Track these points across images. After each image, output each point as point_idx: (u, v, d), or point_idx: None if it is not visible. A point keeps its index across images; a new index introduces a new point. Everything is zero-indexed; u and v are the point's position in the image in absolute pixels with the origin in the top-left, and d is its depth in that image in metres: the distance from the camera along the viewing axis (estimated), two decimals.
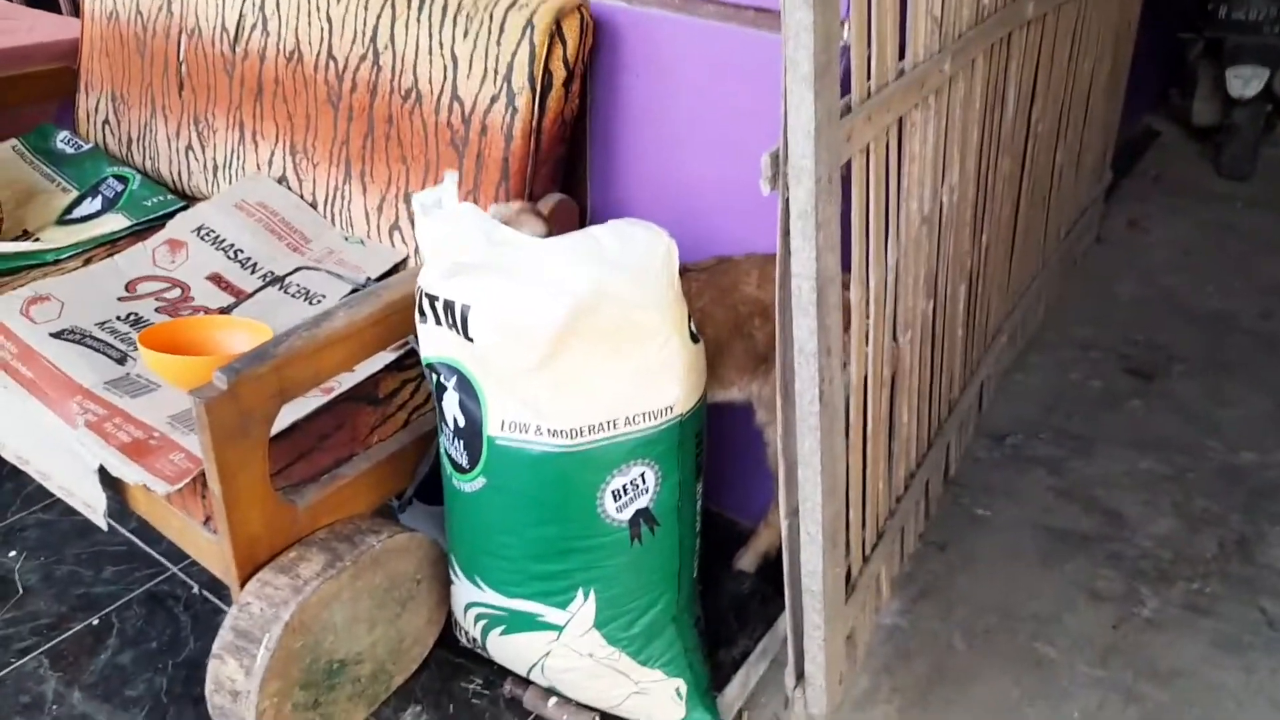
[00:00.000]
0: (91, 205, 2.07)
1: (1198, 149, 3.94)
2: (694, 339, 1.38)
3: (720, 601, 1.80)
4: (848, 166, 1.23)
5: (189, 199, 2.10)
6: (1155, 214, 3.42)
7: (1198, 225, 3.34)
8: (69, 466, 1.46)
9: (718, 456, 1.75)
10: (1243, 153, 3.67)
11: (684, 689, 1.51)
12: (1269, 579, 1.89)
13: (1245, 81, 3.56)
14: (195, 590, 1.78)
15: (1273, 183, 3.66)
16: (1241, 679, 1.68)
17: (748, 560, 1.84)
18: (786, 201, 1.10)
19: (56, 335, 1.61)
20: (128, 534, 1.87)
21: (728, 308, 1.54)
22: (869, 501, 1.56)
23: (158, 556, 1.84)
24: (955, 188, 1.67)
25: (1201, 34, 3.76)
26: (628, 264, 1.27)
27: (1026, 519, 2.03)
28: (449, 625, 1.64)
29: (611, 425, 1.32)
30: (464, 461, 1.40)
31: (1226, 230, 3.31)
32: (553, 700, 1.54)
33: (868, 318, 1.39)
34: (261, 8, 1.92)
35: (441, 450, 1.46)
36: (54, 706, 1.57)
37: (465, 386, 1.34)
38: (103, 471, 1.41)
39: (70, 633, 1.70)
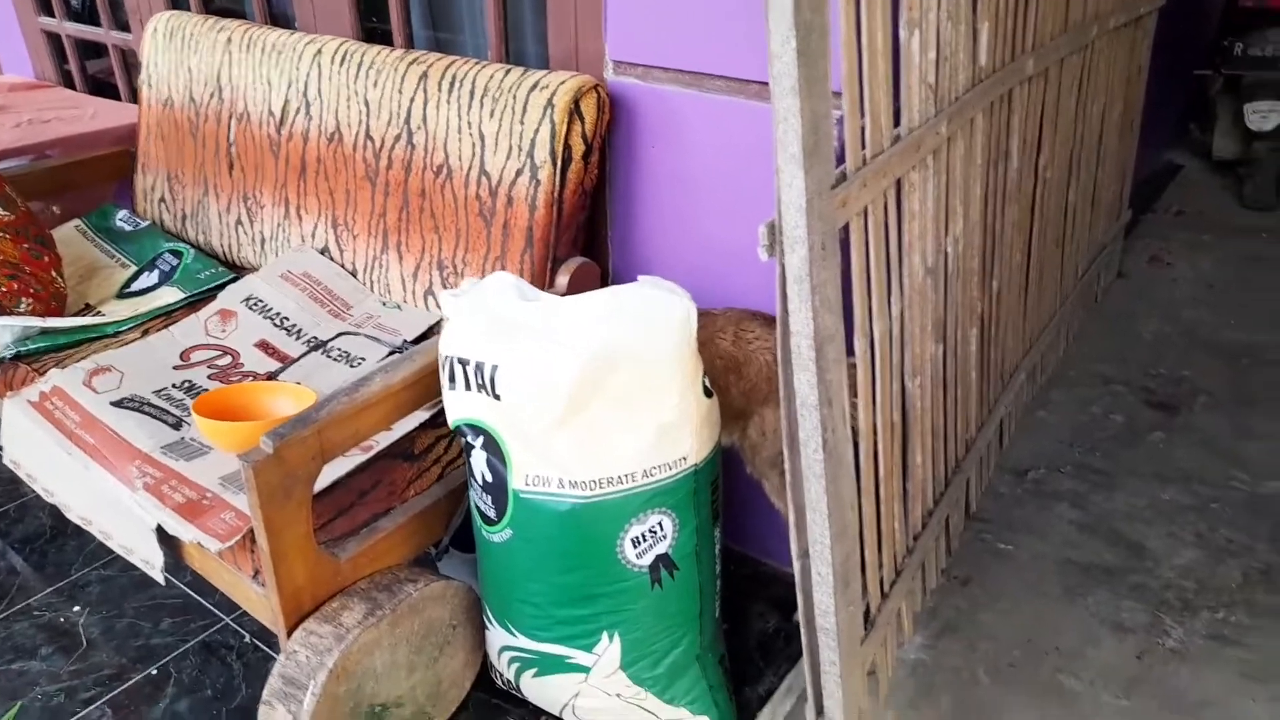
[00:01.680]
0: (149, 279, 2.22)
1: (1220, 183, 3.97)
2: (707, 393, 1.46)
3: (747, 640, 1.86)
4: (846, 227, 1.31)
5: (239, 269, 2.24)
6: (1177, 249, 3.45)
7: (1221, 259, 3.36)
8: (129, 526, 1.57)
9: (739, 499, 1.83)
10: (1265, 185, 3.70)
11: None
12: None
13: (1263, 116, 3.61)
14: (246, 639, 1.88)
15: None
16: (1270, 709, 1.70)
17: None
18: (783, 268, 1.18)
19: (117, 404, 1.73)
20: (183, 587, 1.98)
21: (704, 361, 1.62)
22: (885, 541, 1.61)
23: (211, 607, 1.95)
24: (960, 239, 1.74)
25: (1219, 70, 3.82)
26: (647, 322, 1.36)
27: (1049, 553, 2.07)
28: (485, 667, 1.71)
29: (630, 478, 1.40)
30: (492, 514, 1.49)
31: (1250, 263, 3.33)
32: None
33: (873, 367, 1.46)
34: (304, 93, 2.07)
35: (471, 503, 1.55)
36: None
37: (491, 445, 1.44)
38: (160, 530, 1.52)
39: (131, 683, 1.80)
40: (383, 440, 1.64)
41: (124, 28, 2.83)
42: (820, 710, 1.46)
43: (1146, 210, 3.72)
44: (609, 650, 1.49)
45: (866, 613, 1.58)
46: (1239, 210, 3.74)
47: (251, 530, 1.43)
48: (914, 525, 1.77)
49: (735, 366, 1.61)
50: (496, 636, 1.60)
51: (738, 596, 1.93)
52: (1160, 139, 4.05)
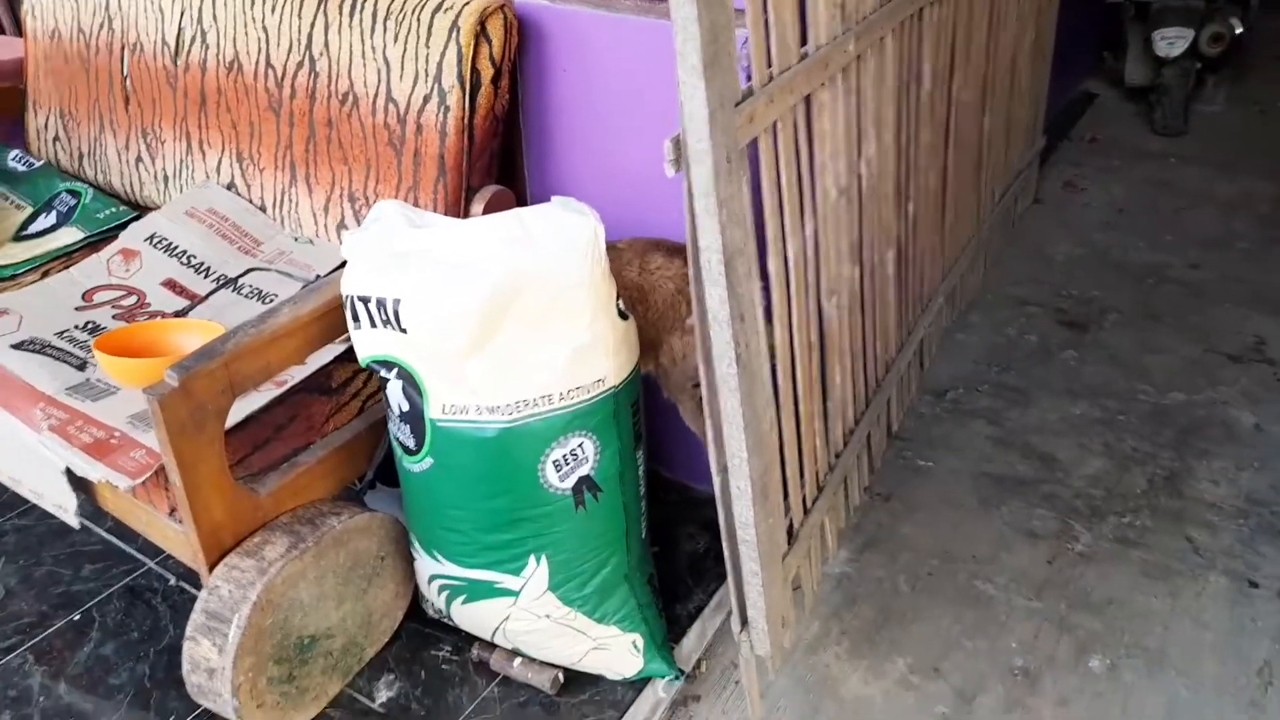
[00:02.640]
0: (46, 221, 2.13)
1: (1133, 109, 4.05)
2: (622, 316, 1.47)
3: (677, 562, 1.90)
4: (756, 145, 1.32)
5: (142, 209, 2.16)
6: (1091, 174, 3.53)
7: (1132, 183, 3.46)
8: (38, 470, 1.53)
9: (665, 425, 1.85)
10: (1175, 111, 3.79)
11: (640, 642, 1.61)
12: (1195, 510, 2.01)
13: (1170, 42, 3.68)
14: (171, 582, 1.86)
15: (1204, 139, 3.78)
16: (1169, 604, 1.80)
17: None
18: (690, 182, 1.18)
19: (17, 346, 1.67)
20: (103, 533, 1.95)
21: None
22: (805, 457, 1.65)
23: (133, 553, 1.92)
24: (873, 160, 1.75)
25: None
26: (553, 245, 1.35)
27: (966, 468, 2.14)
28: (416, 598, 1.72)
29: (546, 400, 1.40)
30: (411, 444, 1.48)
31: (1159, 187, 3.43)
32: (517, 661, 1.63)
33: (788, 286, 1.48)
34: (199, 20, 1.99)
35: (390, 434, 1.54)
36: (41, 699, 1.65)
37: (405, 376, 1.43)
38: (70, 473, 1.48)
39: (53, 629, 1.77)
40: (297, 374, 1.61)
41: None
42: (745, 621, 1.50)
43: (1062, 137, 3.79)
44: (536, 573, 1.51)
45: (790, 528, 1.62)
46: (1150, 136, 3.83)
47: (163, 467, 1.41)
48: (835, 443, 1.82)
49: (642, 296, 1.62)
50: (425, 566, 1.61)
51: (668, 521, 1.96)
52: (1076, 68, 4.11)
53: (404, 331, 1.38)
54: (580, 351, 1.40)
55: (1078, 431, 2.25)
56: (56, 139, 2.32)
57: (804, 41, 1.44)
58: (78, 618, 1.80)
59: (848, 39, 1.53)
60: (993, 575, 1.87)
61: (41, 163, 2.31)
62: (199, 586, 1.81)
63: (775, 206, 1.41)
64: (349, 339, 1.62)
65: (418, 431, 1.45)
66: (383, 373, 1.46)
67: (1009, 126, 2.79)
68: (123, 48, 2.13)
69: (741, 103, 1.22)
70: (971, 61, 2.29)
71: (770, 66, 1.33)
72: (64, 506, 1.53)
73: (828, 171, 1.56)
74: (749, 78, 1.30)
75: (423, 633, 1.74)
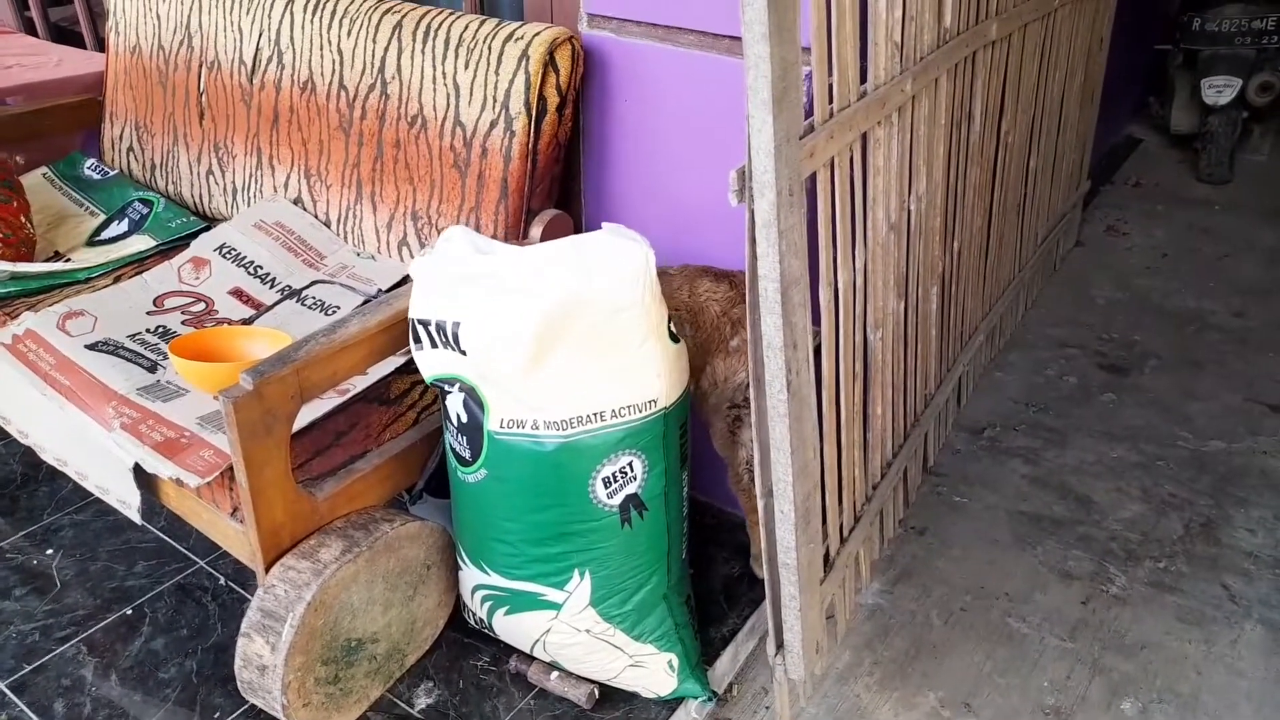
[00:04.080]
0: (119, 227, 2.21)
1: (1178, 156, 4.07)
2: (674, 339, 1.51)
3: (711, 584, 1.93)
4: (812, 178, 1.36)
5: (210, 220, 2.24)
6: (1134, 219, 3.55)
7: (1175, 229, 3.47)
8: (105, 466, 1.59)
9: (704, 450, 1.88)
10: (1220, 158, 3.80)
11: (676, 662, 1.64)
12: (1232, 558, 2.00)
13: (1219, 90, 3.70)
14: (221, 581, 1.91)
15: (1249, 187, 3.78)
16: (1203, 650, 1.80)
17: (756, 566, 1.95)
18: (752, 213, 1.23)
19: (91, 347, 1.74)
20: (157, 532, 2.01)
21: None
22: (845, 486, 1.68)
23: (185, 551, 1.98)
24: (923, 196, 1.79)
25: (1178, 45, 3.90)
26: (606, 269, 1.40)
27: (1002, 505, 2.15)
28: (458, 609, 1.76)
29: (599, 417, 1.45)
30: (467, 455, 1.53)
31: (1203, 234, 3.43)
32: (554, 674, 1.67)
33: (837, 317, 1.52)
34: (277, 42, 2.07)
35: (446, 445, 1.59)
36: (93, 688, 1.70)
37: (468, 390, 1.48)
38: (137, 469, 1.54)
39: (105, 622, 1.83)
40: (359, 384, 1.67)
41: None
42: (780, 644, 1.52)
43: (1105, 181, 3.81)
44: (580, 587, 1.54)
45: (826, 555, 1.65)
46: (1194, 183, 3.84)
47: (230, 468, 1.46)
48: (873, 474, 1.84)
49: (692, 317, 1.67)
50: (470, 576, 1.65)
51: (703, 544, 1.99)
52: (1121, 113, 4.14)
53: (464, 354, 1.43)
54: (632, 371, 1.44)
55: (1115, 475, 2.25)
56: (130, 150, 2.42)
57: (863, 79, 1.49)
58: (130, 612, 1.85)
59: (905, 79, 1.58)
60: (1026, 614, 1.88)
61: (115, 172, 2.40)
62: (248, 587, 1.88)
63: (829, 238, 1.45)
64: (410, 351, 1.68)
65: (474, 443, 1.50)
66: (445, 387, 1.51)
67: (1055, 168, 2.82)
68: (201, 65, 2.22)
69: (804, 137, 1.27)
70: (1021, 102, 2.32)
71: (831, 103, 1.38)
72: (128, 502, 1.59)
73: (879, 206, 1.61)
74: (808, 114, 1.34)
75: (462, 642, 1.78)
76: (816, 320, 1.46)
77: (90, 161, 2.41)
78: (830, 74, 1.37)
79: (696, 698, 1.66)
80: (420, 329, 1.49)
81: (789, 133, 1.20)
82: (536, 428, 1.45)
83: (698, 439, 1.84)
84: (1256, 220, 3.50)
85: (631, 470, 1.50)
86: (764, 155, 1.17)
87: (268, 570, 1.48)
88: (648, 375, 1.46)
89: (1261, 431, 2.38)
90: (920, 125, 1.73)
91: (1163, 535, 2.07)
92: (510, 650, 1.73)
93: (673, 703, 1.67)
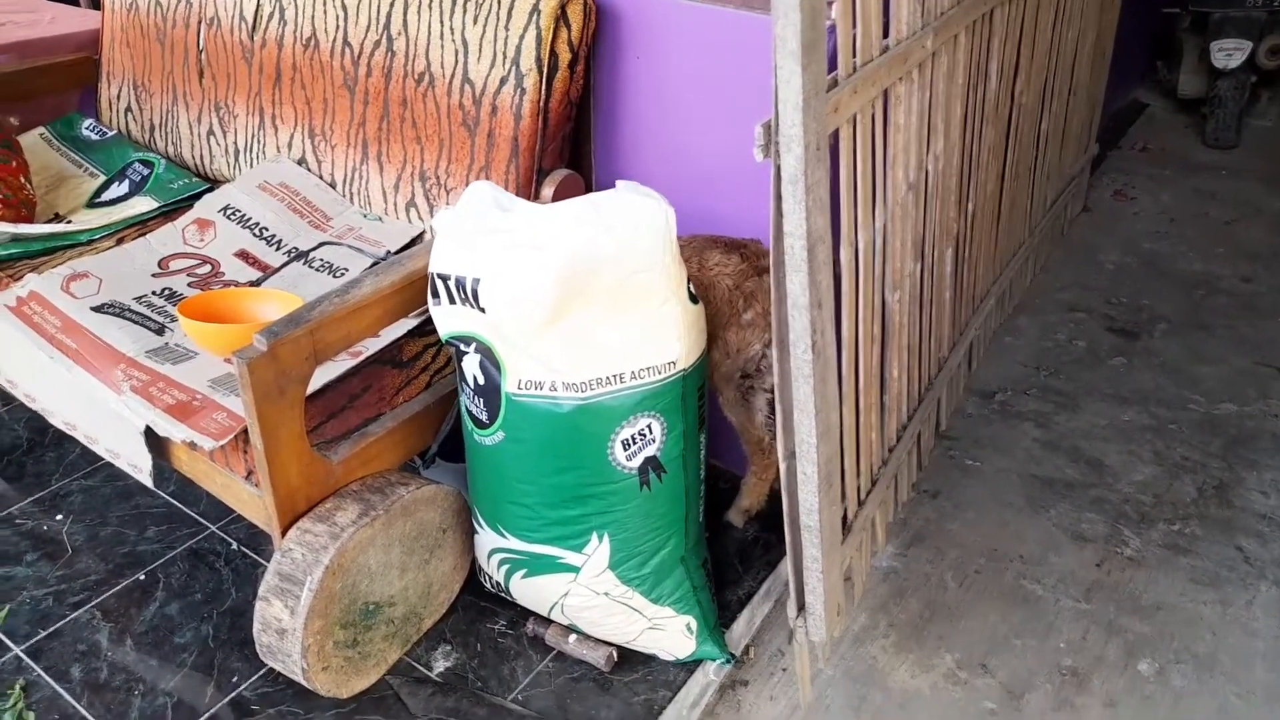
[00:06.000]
0: (119, 189, 2.17)
1: (1184, 120, 4.03)
2: (693, 300, 1.49)
3: (726, 548, 1.92)
4: (835, 136, 1.33)
5: (212, 182, 2.20)
6: (1141, 183, 3.52)
7: (1182, 194, 3.44)
8: (116, 429, 1.57)
9: (717, 413, 1.86)
10: (1227, 123, 3.77)
11: (694, 624, 1.63)
12: (1245, 520, 2.00)
13: (1228, 54, 3.66)
14: (234, 546, 1.90)
15: (1257, 152, 3.76)
16: (1218, 611, 1.80)
17: (735, 515, 1.96)
18: (778, 168, 1.20)
19: (97, 309, 1.71)
20: (167, 497, 1.99)
21: None
22: (862, 450, 1.67)
23: (196, 516, 1.96)
24: (940, 157, 1.77)
25: (1186, 8, 3.85)
26: (625, 227, 1.38)
27: (1014, 469, 2.15)
28: (474, 573, 1.75)
29: (619, 379, 1.43)
30: (484, 417, 1.51)
31: (1210, 198, 3.41)
32: (573, 637, 1.66)
33: (857, 277, 1.50)
34: None
35: (462, 407, 1.57)
36: (108, 654, 1.69)
37: (484, 351, 1.46)
38: (148, 433, 1.52)
39: (119, 587, 1.82)
40: (371, 346, 1.65)
41: None
42: (802, 606, 1.52)
43: (1113, 146, 3.78)
44: (598, 550, 1.53)
45: (844, 518, 1.64)
46: (1201, 148, 3.81)
47: (244, 430, 1.44)
48: (889, 438, 1.83)
49: (702, 292, 1.65)
50: (486, 539, 1.63)
51: (716, 508, 1.98)
52: (1128, 77, 4.09)
53: (482, 310, 1.41)
54: (651, 332, 1.42)
55: (1126, 438, 2.25)
56: (128, 110, 2.37)
57: (884, 34, 1.46)
58: (143, 577, 1.84)
59: (926, 34, 1.55)
60: (1041, 576, 1.88)
61: (113, 133, 2.36)
62: (261, 552, 1.87)
63: (851, 197, 1.42)
64: (423, 313, 1.65)
65: (491, 405, 1.48)
66: (461, 347, 1.49)
67: (1065, 131, 2.79)
68: (199, 22, 2.17)
69: (829, 91, 1.24)
70: (1035, 63, 2.29)
71: (855, 58, 1.35)
72: (139, 467, 1.57)
73: (899, 165, 1.58)
74: (830, 68, 1.32)
75: (479, 605, 1.77)
76: (836, 282, 1.44)
77: (88, 122, 2.37)
78: (854, 27, 1.34)
79: (714, 660, 1.66)
80: (440, 283, 1.46)
81: (816, 85, 1.17)
82: (555, 389, 1.43)
83: (713, 405, 1.82)
84: (1264, 185, 3.48)
85: (650, 432, 1.48)
86: (791, 108, 1.14)
87: (284, 534, 1.46)
88: (667, 337, 1.44)
89: (1272, 395, 2.38)
90: (939, 83, 1.70)
91: (1176, 498, 2.07)
92: (528, 613, 1.72)
93: (691, 665, 1.67)
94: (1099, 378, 2.45)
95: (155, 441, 1.54)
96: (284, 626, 1.43)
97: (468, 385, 1.52)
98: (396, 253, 1.88)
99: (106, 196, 2.16)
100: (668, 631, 1.62)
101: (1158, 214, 3.31)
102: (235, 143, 2.17)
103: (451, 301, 1.45)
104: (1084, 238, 3.14)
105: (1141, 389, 2.41)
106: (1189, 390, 2.40)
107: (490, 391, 1.48)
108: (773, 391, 1.43)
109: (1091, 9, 2.72)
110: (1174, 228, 3.22)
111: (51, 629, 1.73)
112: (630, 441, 1.47)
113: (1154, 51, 4.33)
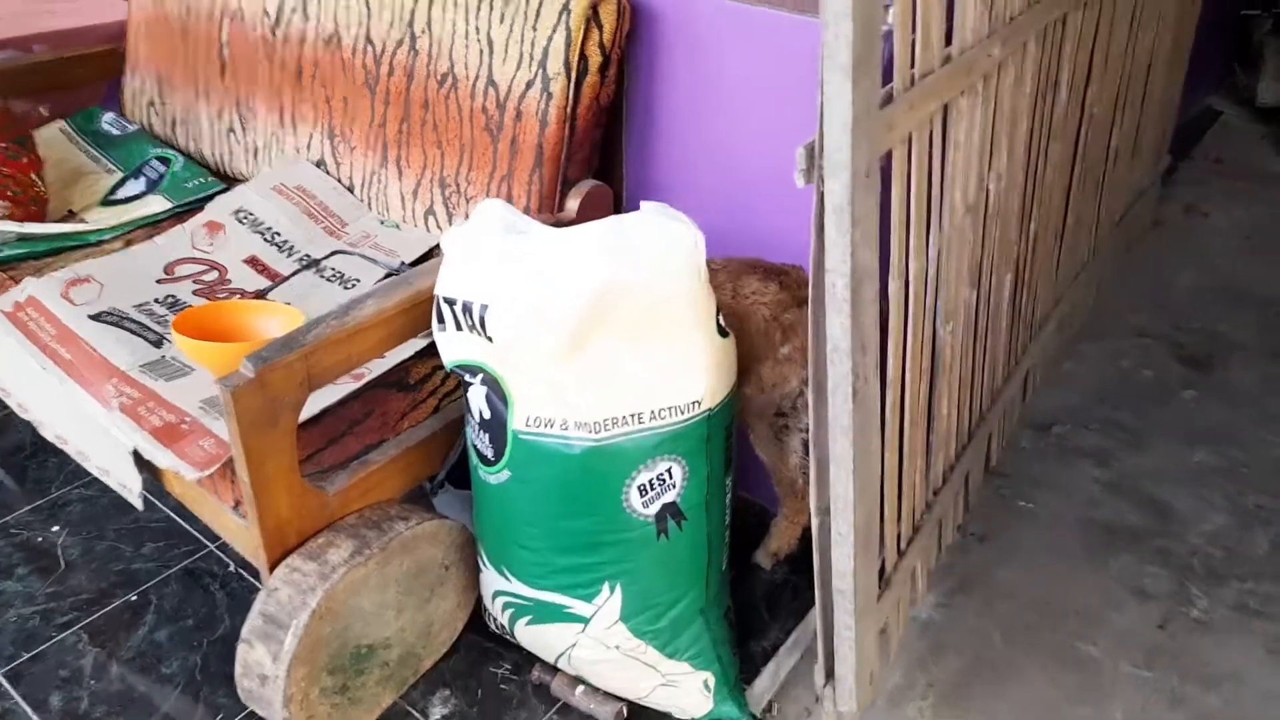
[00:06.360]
0: (135, 186, 2.09)
1: (1262, 130, 3.80)
2: (722, 333, 1.35)
3: (752, 591, 1.79)
4: (887, 155, 1.19)
5: (231, 180, 2.11)
6: (1215, 198, 3.31)
7: (1259, 210, 3.23)
8: (106, 447, 1.48)
9: (747, 445, 1.73)
10: None
11: (712, 681, 1.50)
12: None
13: None
14: (231, 568, 1.81)
15: None
16: None
17: (763, 557, 1.82)
18: (821, 195, 1.06)
19: (95, 317, 1.63)
20: (167, 510, 1.91)
21: None
22: (905, 496, 1.53)
23: (195, 533, 1.88)
24: (1003, 175, 1.61)
25: (1269, 10, 3.62)
26: (652, 254, 1.25)
27: (1071, 512, 1.99)
28: (478, 609, 1.64)
29: (637, 419, 1.30)
30: (490, 454, 1.39)
31: None
32: (580, 689, 1.54)
33: (906, 310, 1.36)
34: None
35: (468, 442, 1.45)
36: (92, 681, 1.61)
37: (490, 382, 1.34)
38: (137, 454, 1.43)
39: (109, 608, 1.73)
40: (375, 368, 1.54)
41: None
42: (830, 674, 1.38)
43: (1184, 157, 3.56)
44: (609, 601, 1.41)
45: (881, 570, 1.50)
46: None
47: (231, 459, 1.34)
48: (934, 480, 1.68)
49: (736, 322, 1.50)
50: (491, 580, 1.52)
51: (745, 546, 1.85)
52: (1202, 83, 3.86)
53: (490, 339, 1.29)
54: (674, 367, 1.29)
55: (1196, 481, 2.07)
56: (151, 104, 2.29)
57: (947, 42, 1.31)
58: (134, 598, 1.76)
59: (993, 42, 1.39)
60: (1097, 636, 1.72)
61: (135, 127, 2.28)
62: (258, 576, 1.77)
63: (903, 223, 1.28)
64: (431, 334, 1.54)
65: (498, 441, 1.36)
66: (466, 377, 1.37)
67: (1136, 142, 2.60)
68: (223, 15, 2.08)
69: (883, 107, 1.10)
70: (1108, 70, 2.11)
71: (913, 69, 1.20)
72: (129, 487, 1.48)
73: (957, 186, 1.43)
74: (885, 80, 1.17)
75: (482, 646, 1.66)
76: (882, 315, 1.30)
77: (109, 116, 2.29)
78: (913, 33, 1.19)
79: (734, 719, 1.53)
80: (445, 307, 1.35)
81: (868, 104, 1.03)
82: (566, 428, 1.30)
83: (743, 434, 1.69)
84: None
85: (670, 477, 1.35)
86: (839, 129, 1.00)
87: (271, 570, 1.36)
88: (692, 372, 1.31)
89: None
90: (1005, 95, 1.54)
91: (1248, 552, 1.90)
92: (533, 658, 1.60)
93: None
94: (1167, 412, 2.27)
95: (145, 461, 1.45)
96: (265, 673, 1.32)
97: (473, 418, 1.40)
98: (412, 263, 1.77)
99: (121, 194, 2.09)
100: (683, 688, 1.49)
101: (1233, 230, 3.10)
102: (255, 141, 2.07)
103: (458, 328, 1.33)
104: (1153, 256, 2.94)
105: (1213, 426, 2.22)
106: (1265, 429, 2.21)
107: (496, 426, 1.36)
108: (808, 432, 1.29)
109: (1170, 11, 2.53)
110: (1251, 246, 3.01)
111: (36, 650, 1.65)
112: (647, 487, 1.34)
113: (1230, 56, 4.09)
